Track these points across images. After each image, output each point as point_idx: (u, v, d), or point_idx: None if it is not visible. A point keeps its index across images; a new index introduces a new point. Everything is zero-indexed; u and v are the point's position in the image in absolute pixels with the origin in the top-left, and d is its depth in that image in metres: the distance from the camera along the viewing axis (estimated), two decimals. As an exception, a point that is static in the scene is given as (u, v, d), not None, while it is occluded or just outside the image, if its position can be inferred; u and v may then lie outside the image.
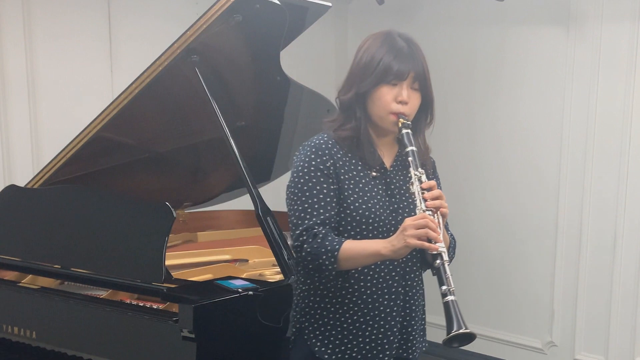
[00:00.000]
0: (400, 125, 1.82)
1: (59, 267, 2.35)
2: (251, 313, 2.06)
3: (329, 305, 1.87)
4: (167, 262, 2.17)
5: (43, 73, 3.35)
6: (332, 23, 4.44)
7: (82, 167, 2.67)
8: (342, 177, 1.83)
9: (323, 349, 1.87)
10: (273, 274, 2.52)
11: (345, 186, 1.83)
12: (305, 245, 1.77)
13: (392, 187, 1.89)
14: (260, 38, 2.51)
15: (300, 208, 1.80)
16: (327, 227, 1.79)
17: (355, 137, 1.86)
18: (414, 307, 1.93)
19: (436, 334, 2.10)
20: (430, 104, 1.89)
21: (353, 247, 1.76)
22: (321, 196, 1.80)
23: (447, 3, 4.11)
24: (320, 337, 1.88)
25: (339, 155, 1.84)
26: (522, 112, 3.89)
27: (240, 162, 2.40)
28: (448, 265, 1.70)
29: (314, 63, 4.33)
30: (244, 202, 2.89)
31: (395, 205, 1.87)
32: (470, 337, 1.63)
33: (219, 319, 1.98)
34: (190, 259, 2.70)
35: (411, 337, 1.94)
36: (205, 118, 2.48)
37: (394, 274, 1.88)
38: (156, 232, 2.17)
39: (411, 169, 1.79)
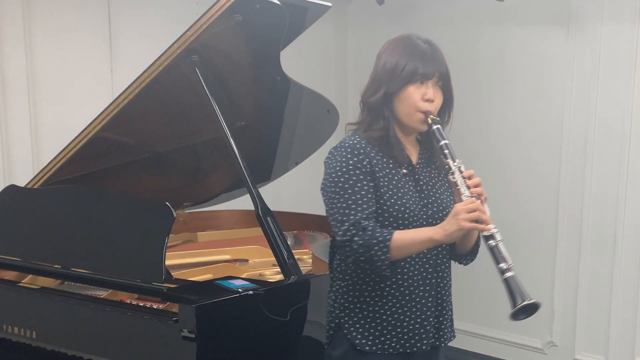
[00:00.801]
0: (430, 121, 1.89)
1: (59, 267, 2.35)
2: (251, 313, 2.06)
3: (368, 299, 1.92)
4: (167, 262, 2.17)
5: (43, 72, 3.35)
6: (332, 23, 4.43)
7: (82, 167, 2.67)
8: (377, 175, 1.88)
9: (364, 341, 1.92)
10: (273, 274, 2.53)
11: (381, 183, 1.88)
12: (356, 239, 1.80)
13: (421, 182, 1.97)
14: (260, 38, 2.51)
15: (344, 205, 1.84)
16: (372, 221, 1.84)
17: (385, 136, 1.92)
18: (445, 297, 2.01)
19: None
20: (450, 103, 1.97)
21: (404, 236, 1.81)
22: (363, 192, 1.85)
23: (447, 3, 4.10)
24: (360, 330, 1.93)
25: (372, 154, 1.90)
26: (521, 112, 3.89)
27: (240, 162, 2.40)
28: (502, 244, 1.79)
29: (314, 63, 4.32)
30: (244, 202, 2.89)
31: (425, 200, 1.95)
32: (535, 307, 1.72)
33: (219, 319, 1.99)
34: (190, 259, 2.71)
35: (442, 326, 2.01)
36: (205, 118, 2.48)
37: (427, 266, 1.95)
38: (156, 232, 2.17)
39: (449, 161, 1.87)
